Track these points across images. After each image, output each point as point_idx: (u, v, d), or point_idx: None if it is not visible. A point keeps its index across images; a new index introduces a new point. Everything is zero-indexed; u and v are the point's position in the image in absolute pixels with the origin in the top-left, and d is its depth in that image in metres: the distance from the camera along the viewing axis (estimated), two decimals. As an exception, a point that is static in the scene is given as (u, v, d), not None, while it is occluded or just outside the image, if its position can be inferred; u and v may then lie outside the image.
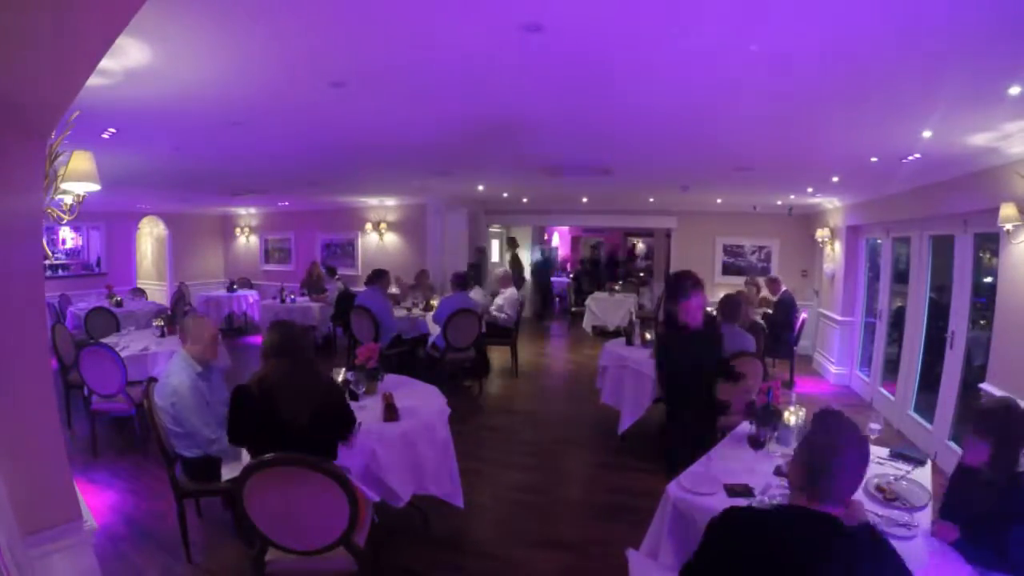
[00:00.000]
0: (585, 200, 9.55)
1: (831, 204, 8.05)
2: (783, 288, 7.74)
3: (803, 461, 1.59)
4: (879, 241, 6.85)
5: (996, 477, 2.11)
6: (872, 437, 2.91)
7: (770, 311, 7.51)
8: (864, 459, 1.60)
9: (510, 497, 4.14)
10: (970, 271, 4.69)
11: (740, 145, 4.25)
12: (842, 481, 1.54)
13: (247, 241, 13.51)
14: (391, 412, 3.14)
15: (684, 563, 1.71)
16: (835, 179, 5.81)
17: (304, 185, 7.94)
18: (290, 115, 3.54)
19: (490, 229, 13.67)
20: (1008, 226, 3.81)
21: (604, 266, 17.14)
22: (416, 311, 7.89)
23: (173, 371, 3.17)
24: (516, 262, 13.95)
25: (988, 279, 4.63)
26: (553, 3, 1.90)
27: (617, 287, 11.77)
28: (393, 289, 8.61)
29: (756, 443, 2.92)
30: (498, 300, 7.89)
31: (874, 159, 4.37)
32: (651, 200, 9.14)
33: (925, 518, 2.24)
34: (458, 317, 6.49)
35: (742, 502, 2.33)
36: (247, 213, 13.31)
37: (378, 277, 7.39)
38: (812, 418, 1.72)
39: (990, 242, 4.54)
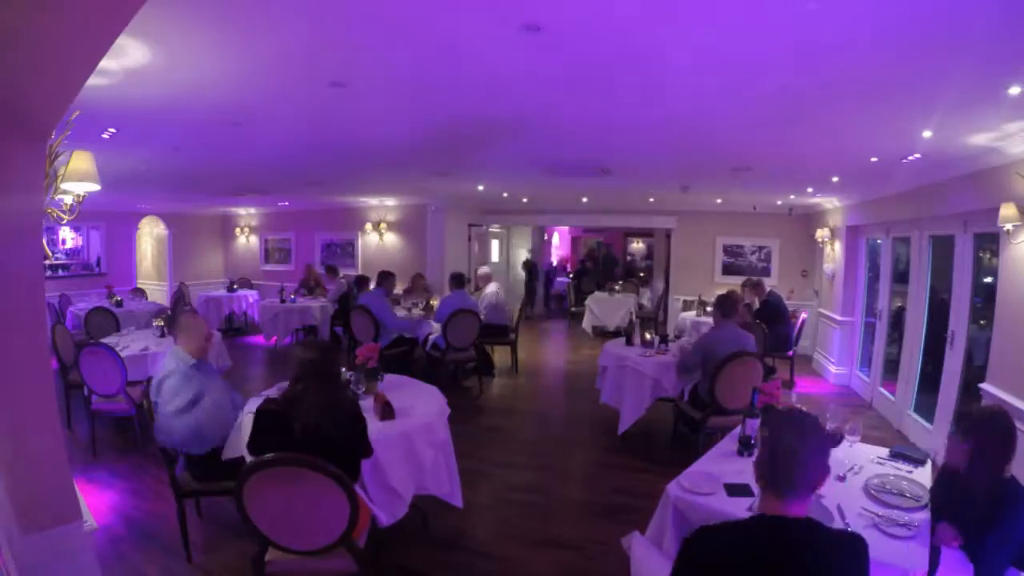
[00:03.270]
0: (585, 200, 9.54)
1: (831, 204, 8.05)
2: (767, 290, 7.62)
3: (764, 460, 1.60)
4: (879, 241, 6.85)
5: (975, 483, 2.13)
6: (850, 442, 2.92)
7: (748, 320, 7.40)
8: (824, 449, 1.60)
9: (510, 497, 4.14)
10: (970, 271, 4.69)
11: (740, 145, 4.25)
12: (806, 473, 1.53)
13: (247, 241, 13.51)
14: (387, 411, 3.14)
15: None
16: (835, 179, 5.81)
17: (304, 185, 7.95)
18: (290, 115, 3.54)
19: (490, 229, 13.70)
20: (1008, 226, 3.81)
21: (601, 266, 17.18)
22: (416, 311, 7.90)
23: (165, 365, 3.19)
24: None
25: (988, 279, 4.63)
26: (552, 4, 1.90)
27: (617, 287, 11.77)
28: (398, 290, 8.66)
29: (746, 445, 2.92)
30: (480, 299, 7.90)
31: (874, 159, 4.38)
32: (651, 200, 9.14)
33: (924, 518, 2.24)
34: (458, 317, 6.49)
35: (743, 501, 2.34)
36: (247, 213, 13.31)
37: (383, 279, 7.40)
38: (768, 421, 1.73)
39: (990, 242, 4.54)
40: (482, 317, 7.29)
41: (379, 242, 11.12)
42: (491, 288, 7.90)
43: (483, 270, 8.68)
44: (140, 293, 10.23)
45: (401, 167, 5.97)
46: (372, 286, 8.05)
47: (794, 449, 1.54)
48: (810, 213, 9.18)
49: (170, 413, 3.07)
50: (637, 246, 18.95)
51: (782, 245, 9.82)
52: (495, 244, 14.73)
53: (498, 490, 4.24)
